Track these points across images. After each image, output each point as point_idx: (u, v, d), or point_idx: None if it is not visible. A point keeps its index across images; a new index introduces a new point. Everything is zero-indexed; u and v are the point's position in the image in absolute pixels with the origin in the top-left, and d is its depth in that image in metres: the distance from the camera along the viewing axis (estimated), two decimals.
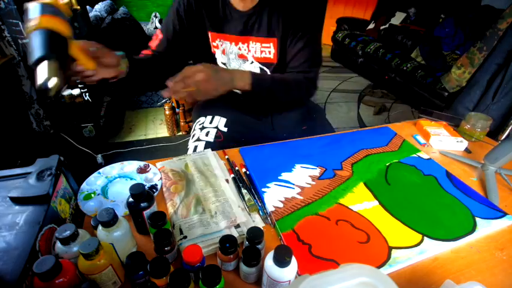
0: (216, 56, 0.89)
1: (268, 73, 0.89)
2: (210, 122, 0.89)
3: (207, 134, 0.85)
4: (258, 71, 0.89)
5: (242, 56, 0.88)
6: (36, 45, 0.46)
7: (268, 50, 0.86)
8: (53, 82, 0.46)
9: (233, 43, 0.85)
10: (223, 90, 0.72)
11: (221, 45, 0.86)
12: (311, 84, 0.87)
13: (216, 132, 0.86)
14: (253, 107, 0.95)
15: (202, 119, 0.92)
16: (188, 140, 0.91)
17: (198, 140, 0.85)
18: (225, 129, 0.87)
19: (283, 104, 0.93)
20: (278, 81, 0.82)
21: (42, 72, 0.46)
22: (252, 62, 0.88)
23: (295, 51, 0.83)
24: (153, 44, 0.87)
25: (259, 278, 0.46)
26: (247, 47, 0.86)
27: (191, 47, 0.89)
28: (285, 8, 0.80)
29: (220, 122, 0.89)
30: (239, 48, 0.86)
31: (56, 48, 0.48)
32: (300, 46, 0.82)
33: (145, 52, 0.88)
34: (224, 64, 0.90)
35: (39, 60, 0.46)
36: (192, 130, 0.94)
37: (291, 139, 0.82)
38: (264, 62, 0.88)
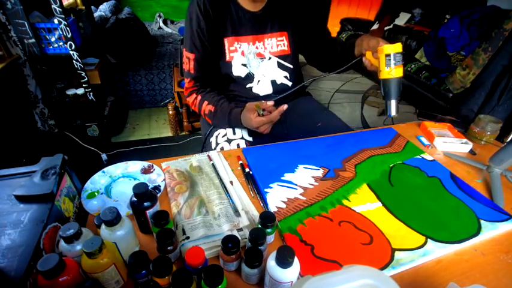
0: (234, 60, 0.89)
1: (288, 65, 0.95)
2: (234, 134, 0.89)
3: (238, 146, 0.85)
4: (275, 66, 0.94)
5: (260, 55, 0.91)
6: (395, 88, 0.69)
7: (282, 42, 0.93)
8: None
9: (250, 43, 0.89)
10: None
11: (239, 47, 0.89)
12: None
13: (245, 143, 0.86)
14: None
15: (222, 131, 0.92)
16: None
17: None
18: (250, 139, 0.88)
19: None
20: None
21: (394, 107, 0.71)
22: (270, 58, 0.93)
23: (324, 33, 0.99)
24: (187, 67, 0.89)
25: (262, 279, 0.45)
26: (263, 44, 0.91)
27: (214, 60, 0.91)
28: (293, 5, 0.90)
29: (243, 132, 0.90)
30: (256, 47, 0.90)
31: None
32: (324, 31, 0.99)
33: (188, 85, 0.92)
34: (244, 65, 0.91)
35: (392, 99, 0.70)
36: (215, 144, 0.91)
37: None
38: (280, 55, 0.94)
